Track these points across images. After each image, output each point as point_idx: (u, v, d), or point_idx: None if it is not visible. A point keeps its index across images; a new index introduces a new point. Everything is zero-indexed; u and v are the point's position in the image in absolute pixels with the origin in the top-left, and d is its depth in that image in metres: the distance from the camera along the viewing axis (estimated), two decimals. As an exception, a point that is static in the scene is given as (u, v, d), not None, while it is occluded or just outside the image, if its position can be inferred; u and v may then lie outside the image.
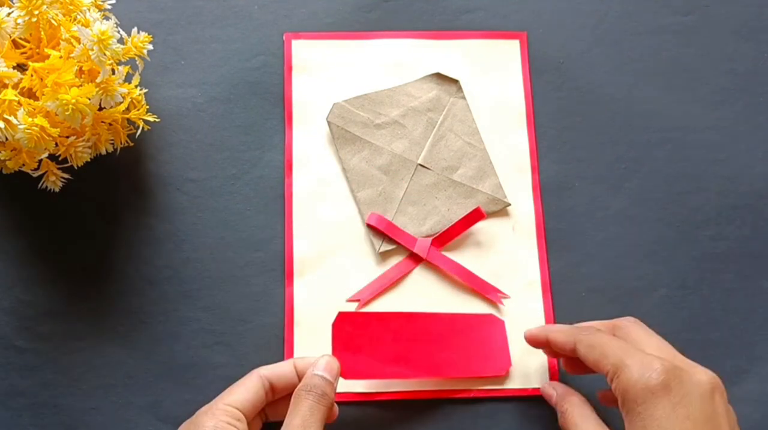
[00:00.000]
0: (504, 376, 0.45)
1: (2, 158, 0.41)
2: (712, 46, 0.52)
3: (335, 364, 0.41)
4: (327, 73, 0.50)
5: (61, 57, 0.39)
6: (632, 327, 0.40)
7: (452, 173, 0.49)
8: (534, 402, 0.44)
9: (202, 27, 0.51)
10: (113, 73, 0.43)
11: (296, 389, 0.39)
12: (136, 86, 0.44)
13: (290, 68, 0.50)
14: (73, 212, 0.47)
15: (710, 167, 0.50)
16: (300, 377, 0.41)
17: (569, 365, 0.43)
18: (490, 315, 0.46)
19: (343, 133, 0.49)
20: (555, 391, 0.43)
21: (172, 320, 0.45)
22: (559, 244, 0.48)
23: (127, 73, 0.45)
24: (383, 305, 0.46)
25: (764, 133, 0.50)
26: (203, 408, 0.39)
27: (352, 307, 0.46)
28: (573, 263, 0.47)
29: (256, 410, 0.40)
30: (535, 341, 0.43)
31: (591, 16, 0.52)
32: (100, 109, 0.43)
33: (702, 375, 0.36)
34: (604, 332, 0.40)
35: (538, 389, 0.44)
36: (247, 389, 0.39)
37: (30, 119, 0.38)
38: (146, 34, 0.44)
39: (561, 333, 0.41)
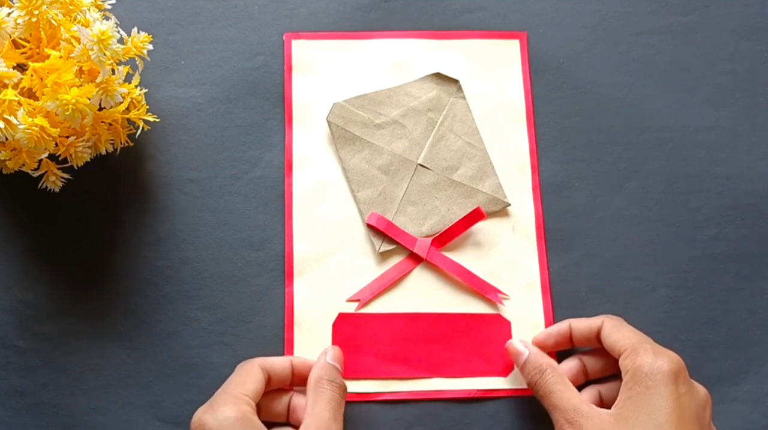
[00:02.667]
0: (505, 376, 0.45)
1: (2, 158, 0.41)
2: (712, 46, 0.52)
3: (341, 355, 0.42)
4: (327, 73, 0.50)
5: (61, 57, 0.39)
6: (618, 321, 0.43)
7: (452, 173, 0.49)
8: (534, 402, 0.44)
9: (202, 27, 0.51)
10: (113, 73, 0.43)
11: (317, 378, 0.40)
12: (136, 86, 0.44)
13: (290, 68, 0.50)
14: (73, 212, 0.47)
15: (710, 167, 0.50)
16: (295, 376, 0.41)
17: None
18: (497, 315, 0.46)
19: (343, 133, 0.49)
20: (528, 349, 0.43)
21: (172, 320, 0.45)
22: (559, 244, 0.48)
23: (127, 73, 0.45)
24: (383, 305, 0.46)
25: (764, 133, 0.50)
26: (218, 397, 0.38)
27: (352, 307, 0.46)
28: (573, 263, 0.47)
29: (257, 401, 0.40)
30: (556, 334, 0.44)
31: (591, 16, 0.52)
32: (100, 109, 0.43)
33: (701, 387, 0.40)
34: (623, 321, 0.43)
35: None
36: (255, 380, 0.39)
37: (30, 119, 0.38)
38: (146, 34, 0.44)
39: (584, 319, 0.43)
